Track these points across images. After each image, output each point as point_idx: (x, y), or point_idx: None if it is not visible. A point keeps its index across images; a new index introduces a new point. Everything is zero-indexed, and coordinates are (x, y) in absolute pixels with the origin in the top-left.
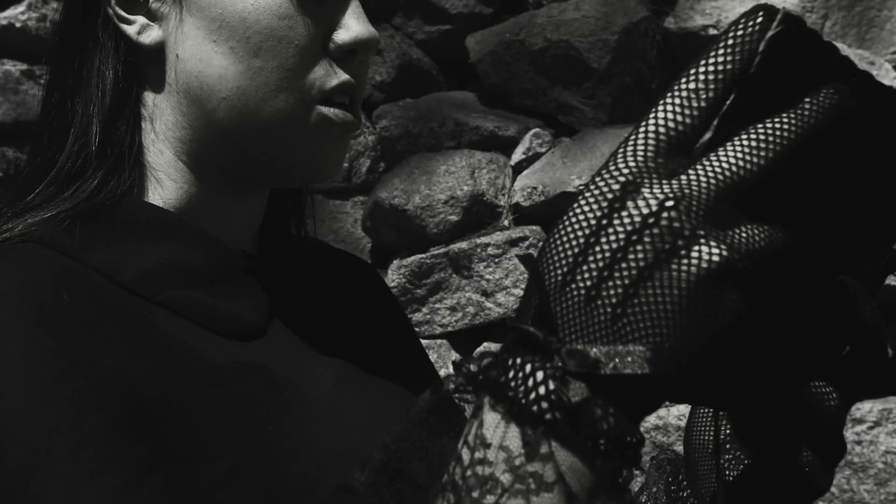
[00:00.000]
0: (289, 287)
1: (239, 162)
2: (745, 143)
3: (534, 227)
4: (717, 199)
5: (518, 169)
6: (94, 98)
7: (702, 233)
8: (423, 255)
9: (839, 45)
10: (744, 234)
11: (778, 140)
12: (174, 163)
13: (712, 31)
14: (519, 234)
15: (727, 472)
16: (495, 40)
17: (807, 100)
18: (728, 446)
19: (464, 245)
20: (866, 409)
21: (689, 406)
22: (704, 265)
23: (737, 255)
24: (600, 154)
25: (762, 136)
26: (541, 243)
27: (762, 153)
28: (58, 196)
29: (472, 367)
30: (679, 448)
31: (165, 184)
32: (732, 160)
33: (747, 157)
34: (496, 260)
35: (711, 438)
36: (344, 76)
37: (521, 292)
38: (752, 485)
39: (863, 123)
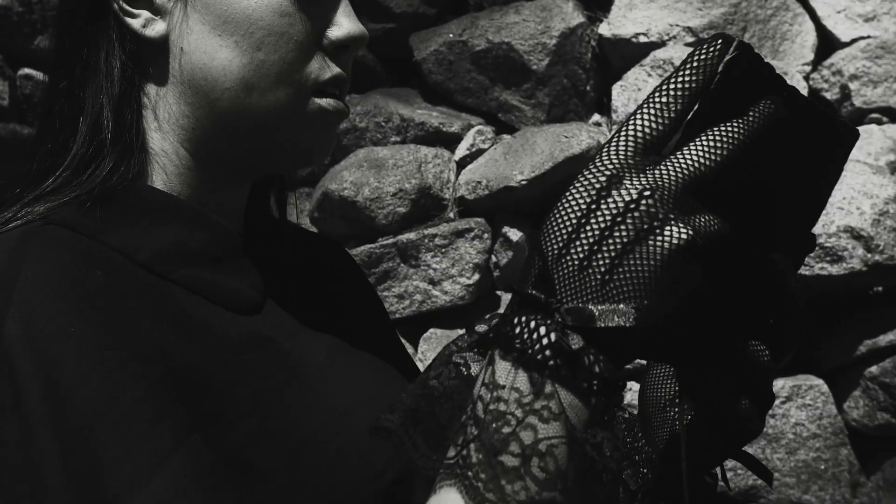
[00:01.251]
0: (276, 266)
1: (239, 148)
2: (704, 144)
3: (478, 219)
4: (683, 190)
5: (462, 164)
6: (103, 87)
7: (672, 216)
8: (372, 245)
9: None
10: (702, 220)
11: (729, 141)
12: (177, 149)
13: (643, 39)
14: (465, 226)
15: (677, 423)
16: (439, 40)
17: (751, 109)
18: (677, 401)
19: (412, 235)
20: (779, 385)
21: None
22: (675, 241)
23: (698, 236)
24: (540, 151)
25: (717, 139)
26: (485, 234)
27: (718, 152)
28: (73, 181)
29: (484, 327)
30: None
31: (168, 169)
32: (694, 158)
33: (706, 155)
34: (443, 250)
35: (664, 394)
36: (336, 70)
37: (466, 281)
38: (698, 431)
39: (789, 128)
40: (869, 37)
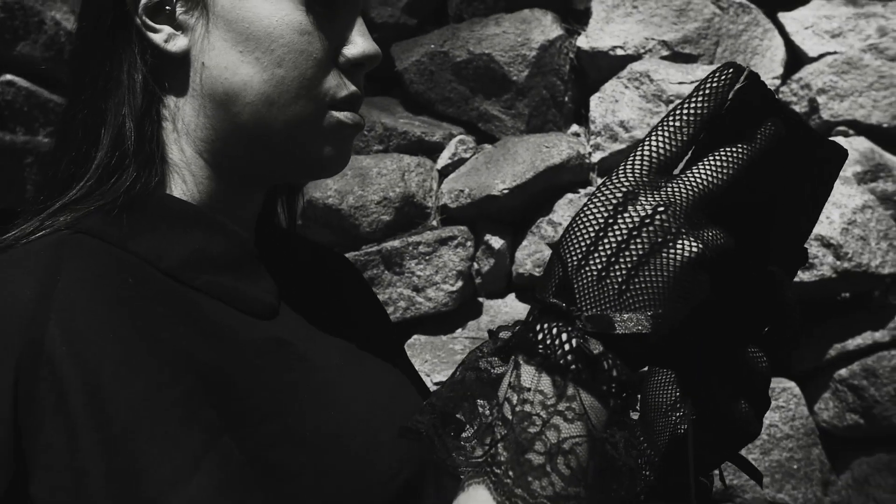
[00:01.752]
0: (286, 274)
1: (257, 159)
2: (713, 163)
3: (461, 227)
4: (693, 206)
5: (444, 173)
6: (126, 99)
7: (684, 231)
8: (356, 253)
9: None
10: (710, 234)
11: (736, 161)
12: (196, 160)
13: (620, 52)
14: (448, 234)
15: (679, 427)
16: (420, 50)
17: (755, 130)
18: (678, 405)
19: (396, 243)
20: None
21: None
22: (686, 254)
23: (707, 249)
24: (521, 160)
25: (725, 159)
26: (468, 242)
27: (725, 171)
28: (97, 190)
29: (507, 333)
30: None
31: (187, 179)
32: (704, 176)
33: (714, 174)
34: (427, 257)
35: (665, 400)
36: (352, 87)
37: (450, 288)
38: (698, 434)
39: (787, 149)
40: (836, 52)
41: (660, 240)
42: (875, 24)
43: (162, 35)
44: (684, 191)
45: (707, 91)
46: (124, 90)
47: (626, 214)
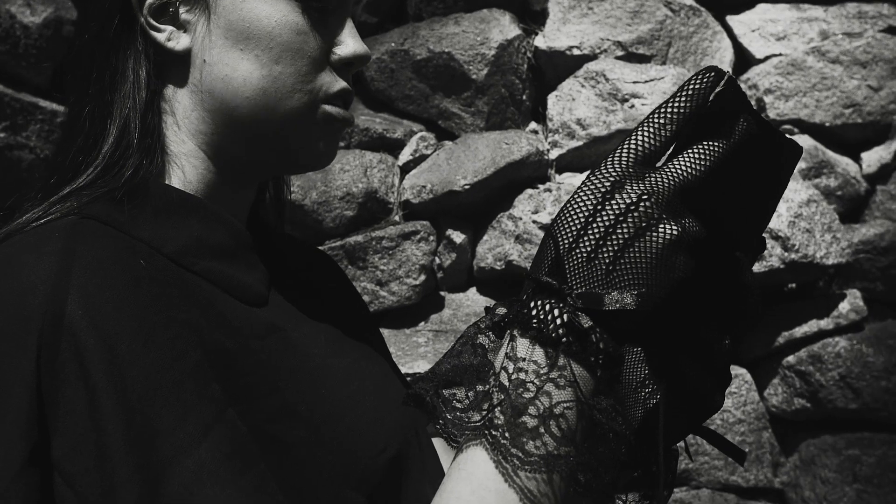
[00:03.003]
0: (274, 264)
1: (254, 151)
2: (692, 156)
3: (423, 222)
4: (673, 195)
5: (405, 169)
6: (131, 94)
7: (665, 216)
8: (320, 248)
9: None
10: (688, 221)
11: (712, 155)
12: (195, 152)
13: (576, 51)
14: (411, 229)
15: (649, 401)
16: (381, 48)
17: (729, 127)
18: (648, 381)
19: (359, 238)
20: None
21: None
22: (667, 237)
23: (685, 233)
24: (482, 157)
25: (703, 154)
26: (430, 237)
27: (702, 164)
28: (102, 178)
29: (503, 310)
30: None
31: (186, 170)
32: (683, 168)
33: (693, 167)
34: (390, 252)
35: (636, 377)
36: (343, 83)
37: (412, 282)
38: (667, 408)
39: (754, 145)
40: (781, 54)
41: (644, 224)
42: (817, 27)
43: (165, 34)
44: (666, 181)
45: (690, 92)
46: (129, 86)
47: (613, 201)
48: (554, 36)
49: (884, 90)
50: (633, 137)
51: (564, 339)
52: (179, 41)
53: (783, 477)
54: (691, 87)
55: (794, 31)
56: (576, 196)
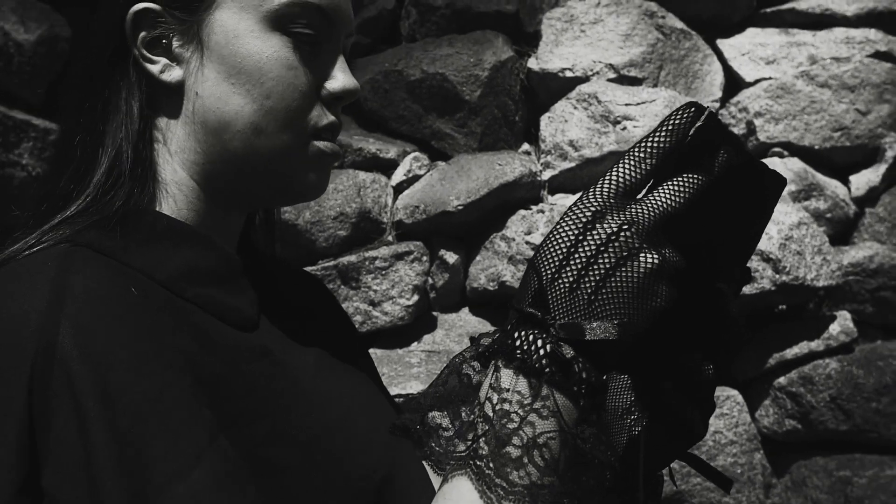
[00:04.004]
0: (263, 289)
1: (244, 183)
2: (672, 188)
3: (417, 243)
4: (654, 226)
5: (399, 189)
6: (124, 124)
7: (646, 246)
8: (313, 268)
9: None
10: (668, 251)
11: (692, 186)
12: (186, 180)
13: (569, 73)
14: (404, 249)
15: (633, 429)
16: (375, 69)
17: (709, 159)
18: (632, 409)
19: (352, 258)
20: None
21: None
22: (648, 266)
23: (665, 262)
24: (475, 177)
25: (682, 184)
26: (423, 257)
27: (682, 195)
28: (93, 206)
29: (488, 340)
30: None
31: (178, 198)
32: (664, 199)
33: (673, 198)
34: (383, 272)
35: (621, 404)
36: (332, 118)
37: (406, 302)
38: (651, 436)
39: (735, 176)
40: (770, 78)
41: (624, 254)
42: (806, 52)
43: (158, 66)
44: (646, 211)
45: (670, 128)
46: (122, 116)
47: (594, 232)
48: (547, 58)
49: (871, 114)
50: (615, 170)
51: (547, 370)
52: (172, 73)
53: (775, 498)
54: (672, 122)
55: (783, 55)
56: (557, 227)
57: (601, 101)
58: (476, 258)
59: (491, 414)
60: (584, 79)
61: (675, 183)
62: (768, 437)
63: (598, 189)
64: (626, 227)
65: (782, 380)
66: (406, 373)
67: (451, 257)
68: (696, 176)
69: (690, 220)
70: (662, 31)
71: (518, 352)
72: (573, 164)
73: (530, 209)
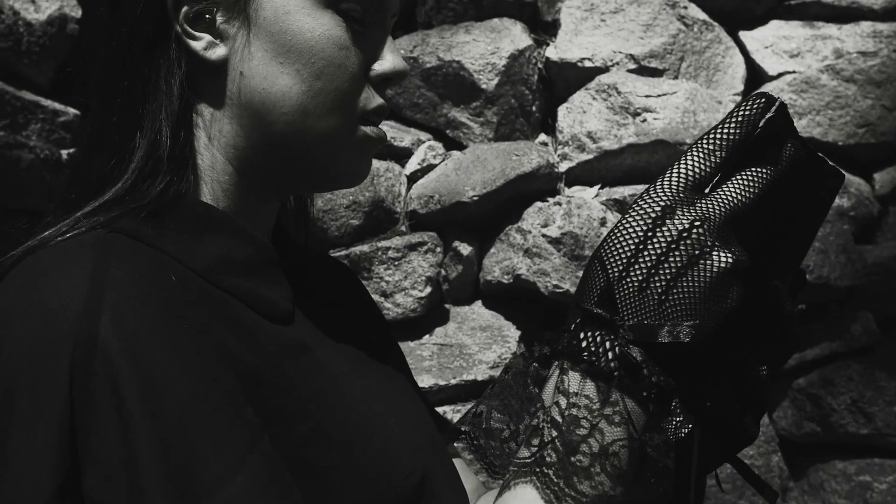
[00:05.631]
0: (296, 279)
1: (286, 169)
2: (742, 183)
3: (431, 233)
4: (724, 222)
5: (412, 178)
6: (164, 106)
7: (718, 244)
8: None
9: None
10: (738, 249)
11: (761, 182)
12: (225, 166)
13: (588, 63)
14: (418, 240)
15: (680, 430)
16: None
17: (778, 152)
18: (677, 411)
19: (365, 248)
20: None
21: None
22: (722, 266)
23: (738, 262)
24: (491, 168)
25: (751, 180)
26: (437, 248)
27: (752, 190)
28: (131, 192)
29: (551, 342)
30: None
31: (215, 186)
32: (734, 194)
33: (742, 194)
34: (396, 263)
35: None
36: (381, 100)
37: (418, 294)
38: (697, 440)
39: (799, 171)
40: (794, 72)
41: (696, 252)
42: (831, 45)
43: (202, 43)
44: (717, 207)
45: (740, 118)
46: (162, 96)
47: (664, 228)
48: (566, 47)
49: None
50: (682, 163)
51: (616, 373)
52: (216, 51)
53: (791, 502)
54: (742, 112)
55: (807, 48)
56: (625, 221)
57: (621, 93)
58: (490, 250)
59: (559, 419)
60: (604, 69)
61: (744, 177)
62: (786, 439)
63: (666, 181)
64: (697, 223)
65: (802, 381)
66: (418, 366)
67: (465, 249)
68: (764, 170)
69: (753, 215)
70: (684, 21)
71: (585, 354)
72: (591, 157)
73: (547, 201)
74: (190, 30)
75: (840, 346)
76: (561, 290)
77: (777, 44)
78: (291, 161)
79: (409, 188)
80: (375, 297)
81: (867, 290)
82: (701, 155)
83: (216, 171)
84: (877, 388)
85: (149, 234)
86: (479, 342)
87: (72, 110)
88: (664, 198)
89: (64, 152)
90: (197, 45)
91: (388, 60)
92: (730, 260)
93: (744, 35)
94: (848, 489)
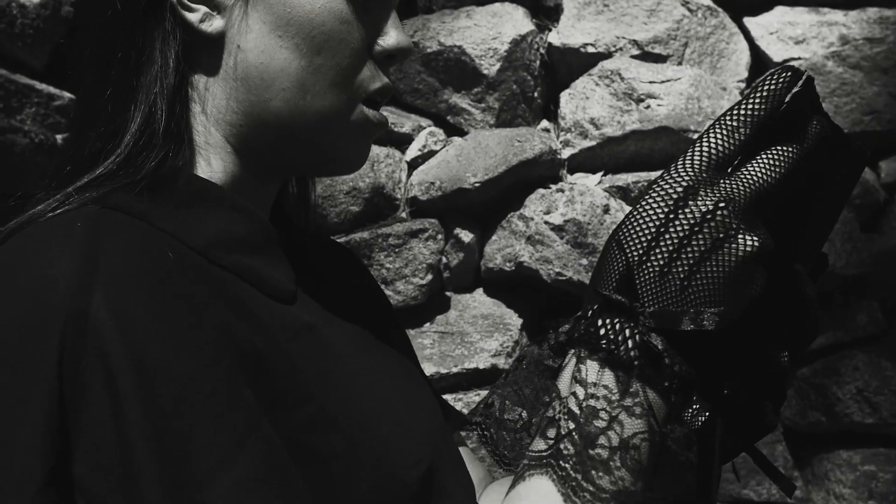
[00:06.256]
0: (298, 261)
1: (283, 147)
2: (767, 162)
3: (432, 220)
4: (749, 204)
5: (413, 165)
6: (158, 78)
7: (743, 227)
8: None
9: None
10: (763, 232)
11: (787, 161)
12: (222, 143)
13: (591, 49)
14: (419, 226)
15: (696, 419)
16: None
17: (803, 129)
18: (694, 399)
19: (365, 234)
20: None
21: None
22: (748, 249)
23: (764, 246)
24: (493, 154)
25: (777, 159)
26: (438, 235)
27: (777, 170)
28: (125, 167)
29: (566, 327)
30: None
31: (212, 161)
32: (759, 174)
33: (768, 173)
34: (396, 250)
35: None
36: (385, 80)
37: (419, 281)
38: (717, 429)
39: (824, 149)
40: (799, 58)
41: (721, 235)
42: (837, 31)
43: (198, 14)
44: (742, 188)
45: (765, 93)
46: (157, 69)
47: (686, 210)
48: (568, 32)
49: None
50: (706, 140)
51: (637, 363)
52: (213, 23)
53: (796, 492)
54: (767, 86)
55: (813, 34)
56: (645, 202)
57: (624, 79)
58: (492, 237)
59: (577, 410)
60: (607, 55)
61: (769, 156)
62: (790, 428)
63: (688, 160)
64: (722, 204)
65: (806, 370)
66: (419, 354)
67: (466, 236)
68: (790, 148)
69: (777, 196)
70: (688, 6)
71: (604, 342)
72: (594, 143)
73: (549, 188)
74: (186, 1)
75: (845, 335)
76: (563, 278)
77: (782, 30)
78: (289, 139)
79: (409, 174)
80: None
81: (873, 278)
82: (724, 132)
83: (213, 147)
84: (882, 378)
85: (143, 210)
86: (480, 330)
87: (67, 94)
88: (686, 177)
89: (59, 137)
90: (193, 17)
91: (392, 36)
92: (756, 244)
93: (748, 21)
94: (853, 479)
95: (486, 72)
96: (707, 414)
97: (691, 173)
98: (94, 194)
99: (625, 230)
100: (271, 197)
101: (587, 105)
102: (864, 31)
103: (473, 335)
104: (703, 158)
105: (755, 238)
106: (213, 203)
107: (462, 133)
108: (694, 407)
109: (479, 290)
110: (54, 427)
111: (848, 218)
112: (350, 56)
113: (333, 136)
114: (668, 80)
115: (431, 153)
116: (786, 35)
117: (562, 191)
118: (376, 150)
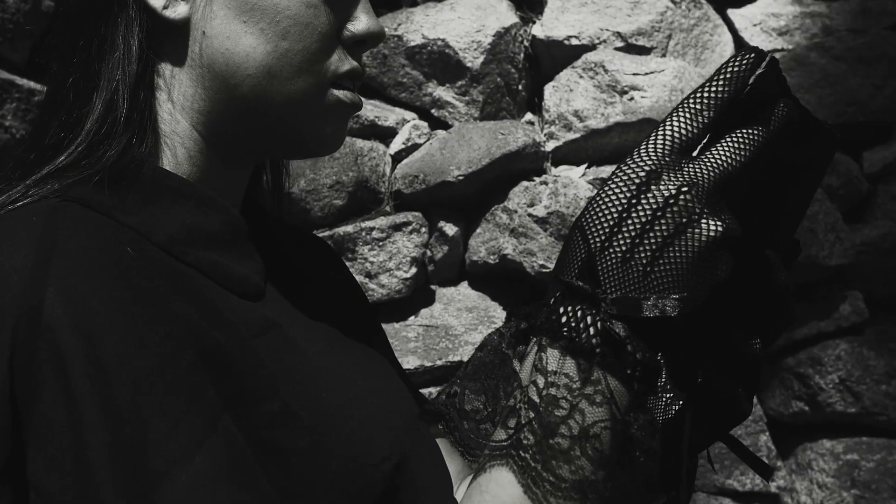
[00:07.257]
0: (269, 255)
1: (253, 134)
2: (731, 146)
3: (416, 213)
4: (713, 188)
5: (397, 158)
6: (121, 65)
7: (707, 211)
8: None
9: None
10: (728, 216)
11: (752, 144)
12: (189, 132)
13: (574, 41)
14: (402, 220)
15: (669, 408)
16: None
17: (768, 112)
18: (667, 387)
19: (349, 228)
20: None
21: None
22: (711, 234)
23: (728, 231)
24: (477, 147)
25: (741, 142)
26: (422, 228)
27: (742, 153)
28: (86, 158)
29: (528, 315)
30: None
31: (178, 151)
32: (723, 158)
33: (733, 156)
34: (380, 243)
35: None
36: (354, 63)
37: (403, 274)
38: (687, 419)
39: (792, 133)
40: (783, 49)
41: (684, 220)
42: (820, 23)
43: (161, 1)
44: (706, 171)
45: (728, 76)
46: (119, 55)
47: (649, 194)
48: (552, 25)
49: (887, 88)
50: (668, 123)
51: (598, 350)
52: (177, 9)
53: (779, 481)
54: (730, 69)
55: (796, 26)
56: (607, 187)
57: (608, 71)
58: (476, 230)
59: (537, 399)
60: (591, 47)
61: (734, 139)
62: (774, 418)
63: (651, 145)
64: (685, 189)
65: (790, 360)
66: (403, 347)
67: (450, 229)
68: (755, 130)
69: (744, 180)
70: None
71: (565, 329)
72: (578, 136)
73: (533, 181)
74: None
75: (828, 325)
76: (547, 270)
77: (765, 21)
78: (258, 126)
79: (393, 168)
80: (360, 279)
81: (856, 269)
82: (687, 115)
83: (179, 136)
84: (865, 368)
85: (105, 203)
86: (465, 323)
87: None
88: (649, 162)
89: None
90: (156, 4)
91: (363, 21)
92: (720, 228)
93: (732, 13)
94: (836, 468)
95: (470, 65)
96: (681, 403)
97: (654, 157)
98: (56, 186)
99: (587, 216)
100: (242, 184)
101: (571, 97)
102: (848, 22)
103: (458, 328)
104: (667, 142)
105: (719, 223)
106: (180, 196)
107: (446, 126)
108: (666, 396)
109: (464, 284)
110: (6, 426)
111: (831, 209)
112: (317, 40)
113: (304, 120)
114: (651, 72)
115: (415, 146)
116: (769, 26)
117: (545, 183)
118: (360, 144)
